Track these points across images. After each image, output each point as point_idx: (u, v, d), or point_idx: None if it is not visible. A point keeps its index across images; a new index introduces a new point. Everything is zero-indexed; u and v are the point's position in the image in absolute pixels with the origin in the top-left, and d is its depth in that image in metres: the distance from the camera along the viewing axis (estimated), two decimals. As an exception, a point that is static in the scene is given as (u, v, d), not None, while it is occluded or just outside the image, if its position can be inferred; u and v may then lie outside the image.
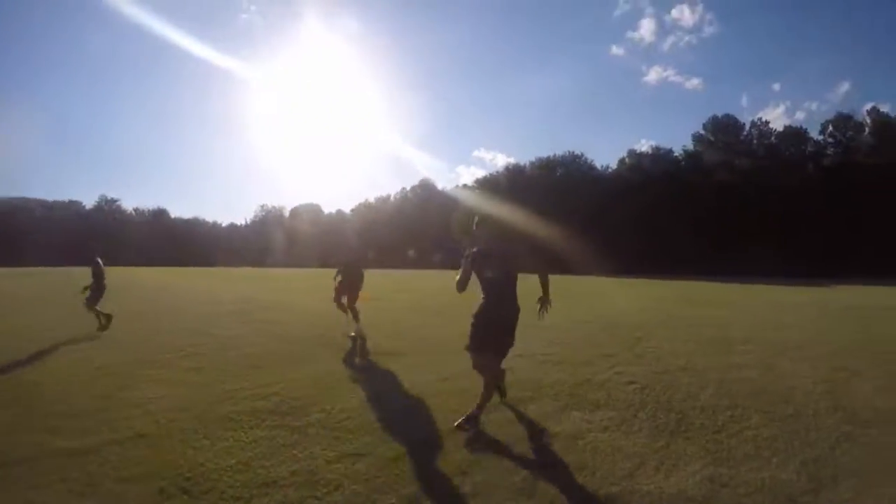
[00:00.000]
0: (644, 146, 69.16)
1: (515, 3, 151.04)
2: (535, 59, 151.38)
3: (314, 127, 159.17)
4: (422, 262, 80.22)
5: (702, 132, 68.48)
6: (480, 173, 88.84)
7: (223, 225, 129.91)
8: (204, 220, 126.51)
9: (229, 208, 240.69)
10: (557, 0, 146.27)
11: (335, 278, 9.88)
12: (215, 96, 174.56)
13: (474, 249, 4.99)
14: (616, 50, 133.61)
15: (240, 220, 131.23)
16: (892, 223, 51.51)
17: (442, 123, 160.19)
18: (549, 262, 6.77)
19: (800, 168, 59.88)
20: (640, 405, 5.57)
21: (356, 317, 9.66)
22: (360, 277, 10.00)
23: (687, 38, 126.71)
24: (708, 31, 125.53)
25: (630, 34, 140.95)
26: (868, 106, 69.88)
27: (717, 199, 56.31)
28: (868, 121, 61.52)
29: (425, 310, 15.06)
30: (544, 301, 5.03)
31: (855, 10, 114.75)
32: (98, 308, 10.94)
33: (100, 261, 11.35)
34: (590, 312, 14.39)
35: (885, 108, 61.94)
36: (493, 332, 4.86)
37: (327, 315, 11.44)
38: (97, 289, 11.12)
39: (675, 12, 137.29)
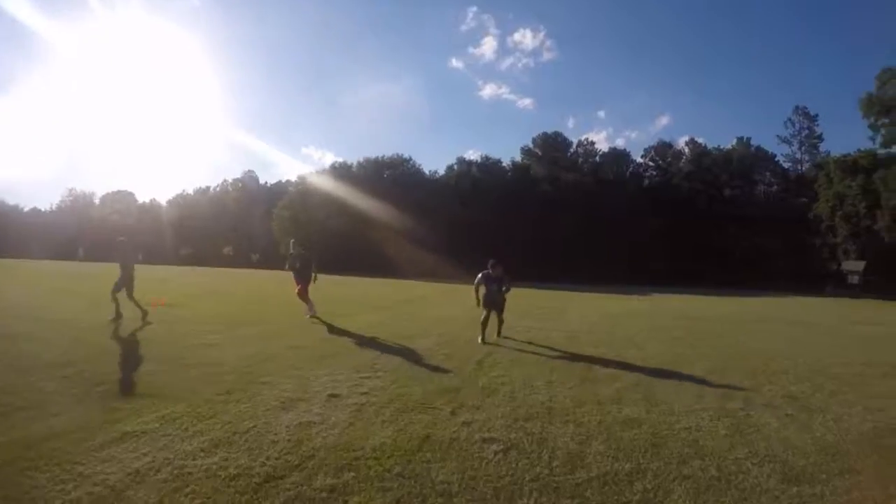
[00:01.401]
0: (474, 156, 70.41)
1: (361, 12, 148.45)
2: (377, 62, 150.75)
3: (134, 107, 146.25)
4: (239, 261, 75.42)
5: (530, 146, 71.69)
6: (308, 170, 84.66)
7: (25, 209, 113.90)
8: (2, 202, 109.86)
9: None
10: (408, 7, 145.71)
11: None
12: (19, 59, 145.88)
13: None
14: (455, 63, 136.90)
15: (44, 205, 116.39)
16: (702, 241, 58.10)
17: (275, 118, 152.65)
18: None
19: (621, 186, 64.72)
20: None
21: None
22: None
23: (525, 60, 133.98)
24: (546, 56, 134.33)
25: (472, 50, 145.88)
26: (686, 137, 77.93)
27: (542, 210, 58.46)
28: (686, 150, 69.37)
29: (222, 322, 12.54)
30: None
31: (678, 54, 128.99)
32: None
33: None
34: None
35: (700, 140, 69.98)
36: None
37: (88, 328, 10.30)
38: None
39: (517, 35, 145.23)
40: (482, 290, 10.87)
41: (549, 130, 71.50)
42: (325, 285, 26.63)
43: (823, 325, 17.22)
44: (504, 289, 11.02)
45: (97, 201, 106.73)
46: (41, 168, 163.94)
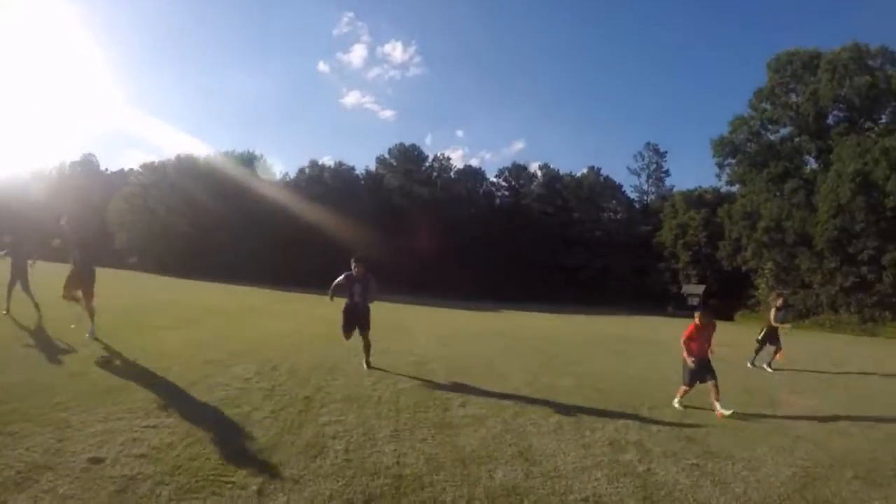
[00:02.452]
0: (328, 161, 67.22)
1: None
2: (247, 55, 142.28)
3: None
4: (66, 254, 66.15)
5: (386, 156, 69.65)
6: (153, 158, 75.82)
7: None
8: None
9: None
10: (286, 3, 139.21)
11: None
12: None
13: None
14: (323, 66, 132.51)
15: None
16: (551, 261, 59.53)
17: (110, 97, 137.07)
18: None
19: (474, 203, 64.93)
20: None
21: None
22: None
23: (393, 72, 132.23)
24: (413, 71, 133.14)
25: (340, 56, 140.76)
26: (540, 162, 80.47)
27: (393, 221, 57.02)
28: (539, 173, 70.90)
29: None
30: None
31: (540, 84, 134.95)
32: None
33: None
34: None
35: (553, 166, 71.64)
36: None
37: None
38: None
39: (388, 47, 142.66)
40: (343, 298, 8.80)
41: (407, 143, 70.11)
42: (149, 292, 23.34)
43: (677, 347, 16.99)
44: (367, 295, 8.82)
45: None
46: None
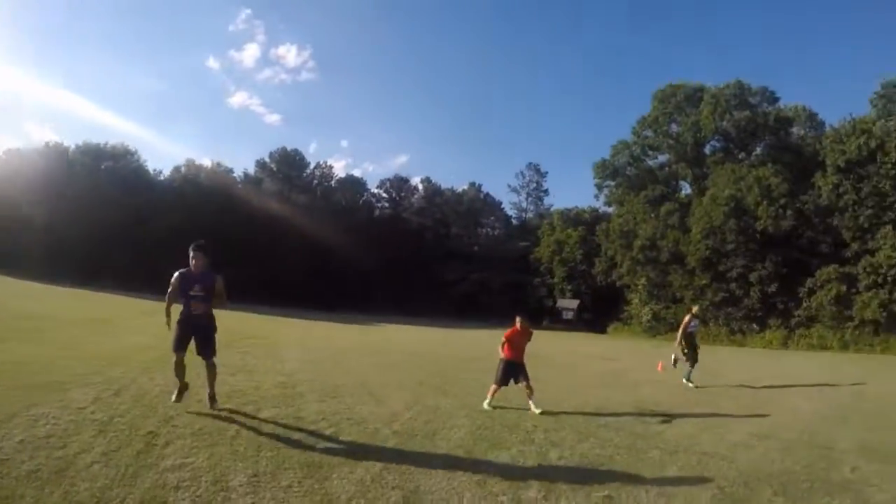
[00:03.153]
0: (206, 161, 63.58)
1: None
2: (135, 41, 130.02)
3: None
4: None
5: (266, 160, 66.91)
6: (16, 145, 67.47)
7: None
8: None
9: None
10: None
11: None
12: None
13: None
14: (212, 63, 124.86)
15: None
16: (428, 274, 59.67)
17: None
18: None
19: (353, 213, 63.60)
20: None
21: None
22: None
23: (284, 76, 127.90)
24: (305, 76, 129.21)
25: (232, 53, 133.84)
26: (423, 175, 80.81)
27: (270, 228, 54.78)
28: (421, 187, 71.30)
29: None
30: None
31: (429, 100, 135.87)
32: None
33: None
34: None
35: (435, 180, 72.27)
36: None
37: None
38: None
39: (282, 49, 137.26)
40: (176, 305, 6.53)
41: (290, 148, 67.79)
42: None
43: (559, 361, 17.23)
44: (210, 299, 6.52)
45: None
46: None
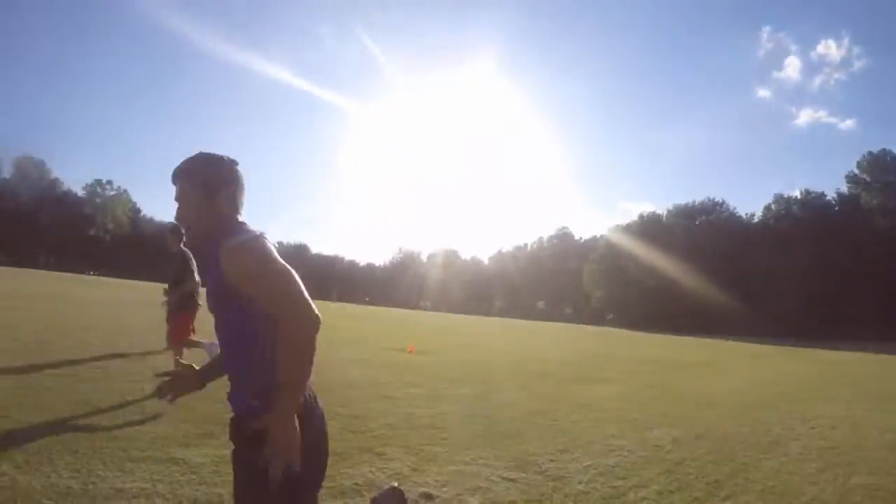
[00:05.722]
0: (794, 191, 59.45)
1: (652, 54, 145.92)
2: (675, 106, 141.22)
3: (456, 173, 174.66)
4: (553, 315, 75.83)
5: (856, 172, 58.93)
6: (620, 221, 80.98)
7: (361, 264, 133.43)
8: (342, 258, 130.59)
9: (363, 248, 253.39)
10: (694, 46, 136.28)
11: None
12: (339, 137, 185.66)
13: None
14: (763, 92, 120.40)
15: (378, 261, 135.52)
16: None
17: (584, 175, 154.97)
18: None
19: None
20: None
21: None
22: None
23: (836, 75, 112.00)
24: (857, 65, 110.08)
25: (776, 74, 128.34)
26: None
27: (879, 249, 45.89)
28: None
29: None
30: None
31: None
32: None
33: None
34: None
35: None
36: None
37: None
38: None
39: (820, 48, 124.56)
40: None
41: (875, 149, 57.87)
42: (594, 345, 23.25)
43: None
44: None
45: (424, 258, 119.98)
46: (373, 228, 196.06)
